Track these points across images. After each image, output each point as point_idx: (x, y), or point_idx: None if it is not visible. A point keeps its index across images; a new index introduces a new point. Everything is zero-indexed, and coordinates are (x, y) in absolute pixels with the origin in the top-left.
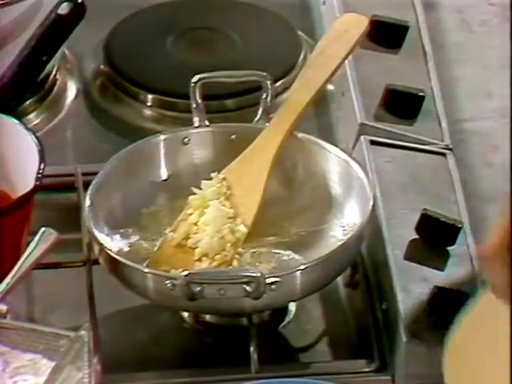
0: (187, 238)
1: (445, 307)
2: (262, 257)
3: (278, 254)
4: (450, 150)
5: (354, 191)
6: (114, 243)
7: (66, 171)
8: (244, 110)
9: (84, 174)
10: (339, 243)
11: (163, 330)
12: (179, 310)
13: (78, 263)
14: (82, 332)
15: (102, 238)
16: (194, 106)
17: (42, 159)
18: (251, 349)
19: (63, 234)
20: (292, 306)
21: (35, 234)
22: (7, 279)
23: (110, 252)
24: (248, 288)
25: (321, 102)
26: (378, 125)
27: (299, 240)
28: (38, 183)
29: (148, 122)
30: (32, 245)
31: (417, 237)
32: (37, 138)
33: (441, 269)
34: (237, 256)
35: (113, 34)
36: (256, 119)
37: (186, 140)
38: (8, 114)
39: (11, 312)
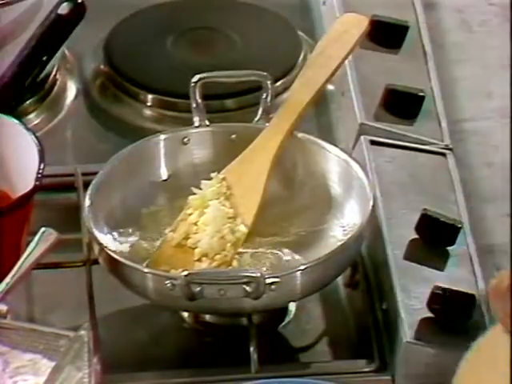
0: (187, 237)
1: (445, 307)
2: (261, 257)
3: (278, 254)
4: (449, 149)
5: (354, 191)
6: (114, 243)
7: (65, 171)
8: (244, 110)
9: (84, 174)
10: (339, 243)
11: (163, 330)
12: (179, 310)
13: (78, 263)
14: (82, 332)
15: (101, 237)
16: (194, 105)
17: (41, 159)
18: (251, 349)
19: (63, 234)
20: (292, 306)
21: (35, 233)
22: (7, 279)
23: (109, 252)
24: (248, 288)
25: (321, 102)
26: (378, 125)
27: (299, 240)
28: (37, 183)
29: (148, 122)
30: (32, 245)
31: (417, 237)
32: (37, 137)
33: (441, 269)
34: (237, 256)
35: (113, 34)
36: (256, 119)
37: (185, 140)
38: (8, 114)
39: (11, 312)
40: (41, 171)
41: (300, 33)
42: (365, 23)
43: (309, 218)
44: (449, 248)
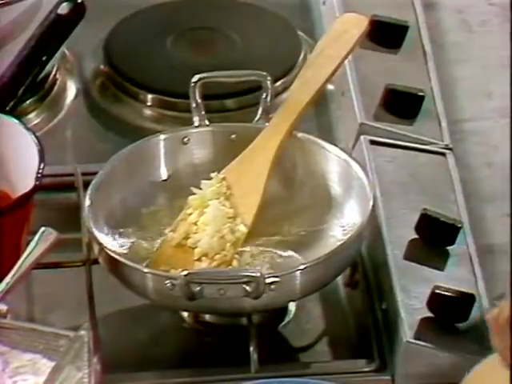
0: (187, 237)
1: (444, 307)
2: (261, 257)
3: (278, 253)
4: (449, 149)
5: (354, 191)
6: (114, 243)
7: (65, 171)
8: (244, 110)
9: (84, 174)
10: (339, 243)
11: (163, 330)
12: (179, 309)
13: (78, 263)
14: (82, 332)
15: (101, 237)
16: (194, 105)
17: (41, 159)
18: (251, 349)
19: (63, 234)
20: (292, 306)
21: (35, 233)
22: (7, 279)
23: (109, 252)
24: (248, 288)
25: (321, 102)
26: (378, 125)
27: (299, 240)
28: (37, 183)
29: (148, 121)
30: (32, 244)
31: (416, 237)
32: (37, 137)
33: (440, 268)
34: (236, 256)
35: (113, 33)
36: (256, 119)
37: (185, 140)
38: (8, 114)
39: (11, 312)
40: (41, 171)
41: (300, 33)
42: (365, 23)
43: (309, 218)
44: (449, 248)
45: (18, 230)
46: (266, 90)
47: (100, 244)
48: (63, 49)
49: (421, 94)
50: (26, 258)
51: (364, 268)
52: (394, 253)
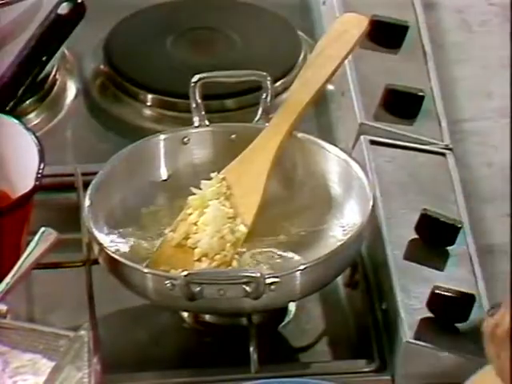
0: (187, 237)
1: (444, 307)
2: (261, 257)
3: (278, 254)
4: (449, 149)
5: (354, 191)
6: (114, 243)
7: (65, 171)
8: (244, 110)
9: (84, 174)
10: (339, 243)
11: (163, 330)
12: (179, 310)
13: (78, 263)
14: (82, 332)
15: (101, 237)
16: (194, 105)
17: (41, 159)
18: (251, 349)
19: (63, 234)
20: (292, 306)
21: (35, 233)
22: (7, 279)
23: (109, 252)
24: (248, 288)
25: (321, 102)
26: (378, 125)
27: (299, 240)
28: (37, 183)
29: (148, 121)
30: (32, 245)
31: (416, 237)
32: (36, 137)
33: (440, 269)
34: (236, 256)
35: (113, 33)
36: (256, 119)
37: (185, 140)
38: (8, 114)
39: (11, 312)
40: (41, 171)
41: (300, 33)
42: (365, 23)
43: (309, 218)
44: (449, 248)
45: (18, 230)
46: (265, 90)
47: (100, 244)
48: (63, 49)
49: (421, 94)
50: (26, 258)
51: (364, 268)
52: (394, 253)
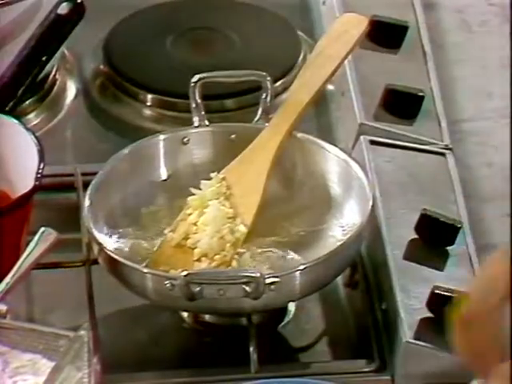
0: (186, 238)
1: (444, 307)
2: (261, 257)
3: (278, 254)
4: (449, 149)
5: (354, 191)
6: (114, 243)
7: (65, 171)
8: (244, 110)
9: (84, 174)
10: (339, 243)
11: (163, 330)
12: (178, 310)
13: (78, 263)
14: (82, 332)
15: (101, 237)
16: (194, 105)
17: (41, 159)
18: (251, 349)
19: (63, 234)
20: (291, 306)
21: (35, 233)
22: (7, 279)
23: (109, 252)
24: (247, 288)
25: (320, 102)
26: (378, 125)
27: (299, 240)
28: (37, 183)
29: (148, 121)
30: (31, 245)
31: (416, 237)
32: (36, 137)
33: (440, 269)
34: (236, 256)
35: (112, 34)
36: (256, 119)
37: (185, 140)
38: (8, 114)
39: (11, 312)
40: (40, 171)
41: (300, 33)
42: (364, 23)
43: (308, 218)
44: (448, 248)
45: (17, 230)
46: (265, 90)
47: (100, 244)
48: (63, 49)
49: (420, 94)
50: (25, 258)
51: (364, 268)
52: (394, 253)
